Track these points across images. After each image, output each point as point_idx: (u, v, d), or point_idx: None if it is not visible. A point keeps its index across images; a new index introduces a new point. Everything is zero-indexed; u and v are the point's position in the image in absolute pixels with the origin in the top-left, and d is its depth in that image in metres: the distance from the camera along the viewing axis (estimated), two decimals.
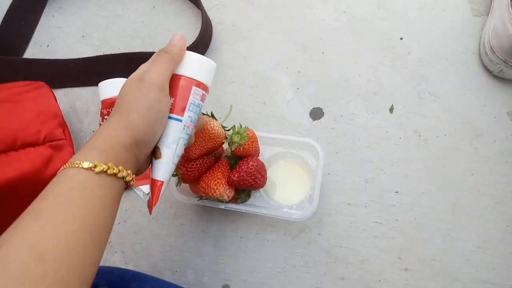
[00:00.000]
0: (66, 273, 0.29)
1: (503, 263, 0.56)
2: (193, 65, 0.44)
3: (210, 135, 0.51)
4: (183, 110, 0.42)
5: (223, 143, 0.54)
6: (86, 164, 0.33)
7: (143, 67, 0.41)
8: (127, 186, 0.37)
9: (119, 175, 0.35)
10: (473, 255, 0.57)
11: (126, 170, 0.36)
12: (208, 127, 0.51)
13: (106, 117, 0.62)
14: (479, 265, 0.56)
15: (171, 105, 0.41)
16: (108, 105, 0.61)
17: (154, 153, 0.43)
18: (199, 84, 0.43)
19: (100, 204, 0.33)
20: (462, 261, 0.57)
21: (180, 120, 0.42)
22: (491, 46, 0.59)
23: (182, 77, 0.43)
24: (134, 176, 0.37)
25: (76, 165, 0.33)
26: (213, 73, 0.46)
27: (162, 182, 0.42)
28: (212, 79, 0.46)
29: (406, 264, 0.57)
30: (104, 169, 0.34)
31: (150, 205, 0.41)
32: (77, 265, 0.30)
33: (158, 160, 0.42)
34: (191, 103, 0.43)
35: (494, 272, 0.56)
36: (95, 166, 0.33)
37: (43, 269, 0.27)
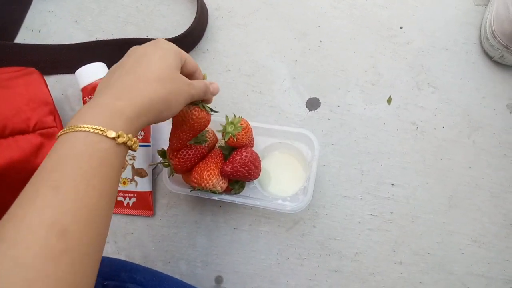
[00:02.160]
0: (86, 247, 0.29)
1: (498, 257, 0.56)
2: None
3: (196, 124, 0.49)
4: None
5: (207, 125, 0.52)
6: (111, 133, 0.32)
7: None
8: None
9: (133, 146, 0.35)
10: (468, 248, 0.56)
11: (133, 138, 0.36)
12: (194, 117, 0.49)
13: None
14: (474, 259, 0.56)
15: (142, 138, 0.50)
16: (89, 92, 0.59)
17: (139, 173, 0.57)
18: None
19: (116, 175, 0.33)
20: (457, 254, 0.56)
21: (149, 146, 0.57)
22: (492, 31, 0.57)
23: None
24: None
25: (100, 132, 0.32)
26: None
27: (151, 191, 0.59)
28: None
29: (400, 257, 0.57)
30: (125, 141, 0.33)
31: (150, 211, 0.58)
32: (96, 238, 0.30)
33: (145, 178, 0.56)
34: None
35: (489, 266, 0.56)
36: (118, 137, 0.33)
37: (64, 244, 0.27)
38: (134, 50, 0.42)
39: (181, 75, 0.41)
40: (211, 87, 0.48)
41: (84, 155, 0.31)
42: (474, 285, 0.56)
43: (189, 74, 0.46)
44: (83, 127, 0.32)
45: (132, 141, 0.34)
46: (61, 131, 0.33)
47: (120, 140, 0.33)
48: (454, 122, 0.60)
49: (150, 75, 0.38)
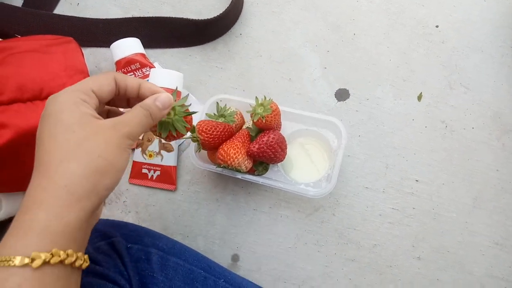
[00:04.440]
0: None
1: None
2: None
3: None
4: None
5: None
6: (18, 260, 0.25)
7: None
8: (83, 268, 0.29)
9: (66, 261, 0.26)
10: (489, 250, 0.56)
11: (76, 252, 0.28)
12: (166, 150, 0.52)
13: None
14: (494, 261, 0.55)
15: None
16: (123, 65, 0.61)
17: (166, 148, 0.48)
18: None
19: None
20: (477, 255, 0.55)
21: None
22: None
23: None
24: (87, 258, 0.29)
25: (6, 263, 0.25)
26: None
27: (176, 166, 0.60)
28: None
29: (419, 253, 0.56)
30: (47, 260, 0.25)
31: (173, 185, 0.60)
32: None
33: (170, 153, 0.55)
34: None
35: (510, 269, 0.55)
36: (33, 260, 0.25)
37: None
38: (36, 133, 0.31)
39: (97, 121, 0.30)
40: (158, 103, 0.34)
41: None
42: (492, 287, 0.55)
43: (129, 95, 0.35)
44: None
45: (60, 256, 0.26)
46: None
47: (36, 263, 0.25)
48: (485, 124, 0.59)
49: (51, 160, 0.28)
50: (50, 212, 0.26)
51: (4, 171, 0.51)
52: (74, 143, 0.28)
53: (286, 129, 0.59)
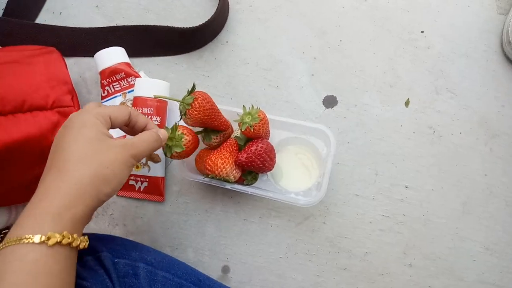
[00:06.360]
0: None
1: (510, 266, 0.55)
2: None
3: None
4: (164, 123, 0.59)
5: None
6: (37, 238, 0.30)
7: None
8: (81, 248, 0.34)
9: (73, 244, 0.32)
10: (480, 256, 0.56)
11: (78, 237, 0.33)
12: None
13: (107, 88, 0.61)
14: (485, 266, 0.55)
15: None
16: (107, 75, 0.60)
17: (152, 158, 0.54)
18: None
19: (59, 281, 0.31)
20: (468, 261, 0.56)
21: None
22: None
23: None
24: (87, 239, 0.35)
25: (26, 240, 0.29)
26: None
27: (164, 177, 0.59)
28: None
29: (410, 260, 0.56)
30: (59, 240, 0.31)
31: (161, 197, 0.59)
32: None
33: (158, 163, 0.56)
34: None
35: (501, 275, 0.55)
36: (49, 238, 0.30)
37: None
38: (55, 138, 0.38)
39: (110, 140, 0.37)
40: (162, 136, 0.44)
41: (16, 272, 0.29)
42: None
43: (136, 128, 0.43)
44: (12, 240, 0.30)
45: (69, 238, 0.31)
46: (1, 243, 0.31)
47: (51, 241, 0.30)
48: (472, 129, 0.60)
49: (69, 160, 0.34)
50: (61, 203, 0.32)
51: None
52: (90, 153, 0.35)
53: (275, 137, 0.58)
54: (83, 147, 0.35)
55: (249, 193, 0.54)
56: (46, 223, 0.31)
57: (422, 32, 0.64)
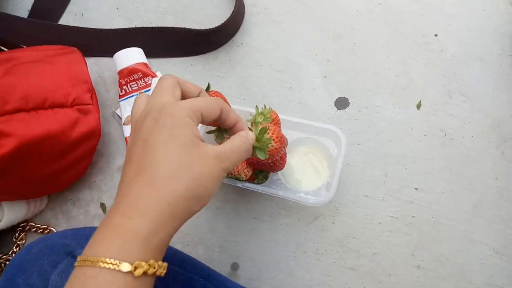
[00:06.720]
0: None
1: None
2: None
3: None
4: None
5: None
6: (125, 267, 0.27)
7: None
8: None
9: (157, 273, 0.29)
10: (489, 259, 0.56)
11: (162, 263, 0.30)
12: None
13: (124, 87, 0.63)
14: (494, 270, 0.55)
15: None
16: (125, 75, 0.62)
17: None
18: None
19: None
20: (477, 264, 0.55)
21: None
22: None
23: None
24: (166, 266, 0.32)
25: (112, 266, 0.27)
26: None
27: None
28: None
29: (419, 262, 0.56)
30: (145, 270, 0.28)
31: None
32: None
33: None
34: None
35: (510, 278, 0.55)
36: (135, 269, 0.27)
37: None
38: (137, 129, 0.34)
39: (203, 146, 0.33)
40: (250, 139, 0.38)
41: None
42: None
43: (224, 126, 0.39)
44: (95, 260, 0.27)
45: (154, 267, 0.29)
46: (79, 258, 0.29)
47: (138, 272, 0.27)
48: (484, 132, 0.60)
49: (161, 173, 0.30)
50: (151, 226, 0.29)
51: (7, 180, 0.52)
52: (183, 164, 0.31)
53: (286, 137, 0.59)
54: (175, 155, 0.31)
55: (260, 191, 0.55)
56: (135, 249, 0.28)
57: (436, 35, 0.64)
